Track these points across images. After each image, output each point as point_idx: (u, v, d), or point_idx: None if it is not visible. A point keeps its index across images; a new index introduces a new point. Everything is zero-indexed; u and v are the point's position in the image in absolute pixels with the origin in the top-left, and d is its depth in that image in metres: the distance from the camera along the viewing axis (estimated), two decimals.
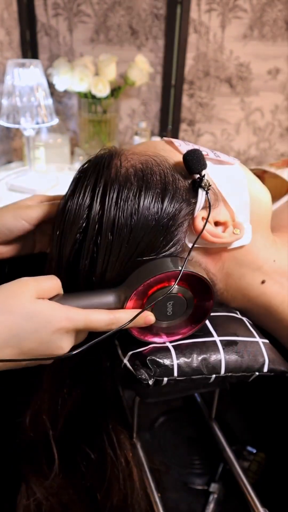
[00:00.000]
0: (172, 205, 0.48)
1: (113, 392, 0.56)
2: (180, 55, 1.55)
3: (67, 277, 0.49)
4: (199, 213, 0.49)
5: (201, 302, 0.49)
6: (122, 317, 0.44)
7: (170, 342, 0.51)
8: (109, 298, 0.47)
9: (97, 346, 0.44)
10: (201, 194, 0.48)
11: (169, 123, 1.67)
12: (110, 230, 0.46)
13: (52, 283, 0.45)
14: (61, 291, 0.46)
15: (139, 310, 0.46)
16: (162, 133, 1.69)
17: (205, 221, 0.48)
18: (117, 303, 0.46)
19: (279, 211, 0.72)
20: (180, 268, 0.45)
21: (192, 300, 0.48)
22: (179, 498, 0.68)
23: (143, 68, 1.50)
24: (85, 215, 0.47)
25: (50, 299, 0.44)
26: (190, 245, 0.49)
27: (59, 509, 0.58)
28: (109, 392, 0.56)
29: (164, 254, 0.48)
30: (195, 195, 0.49)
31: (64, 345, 0.43)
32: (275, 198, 0.76)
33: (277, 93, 1.65)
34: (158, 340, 0.51)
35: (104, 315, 0.43)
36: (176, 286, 0.46)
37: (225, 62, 1.59)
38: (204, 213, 0.49)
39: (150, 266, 0.46)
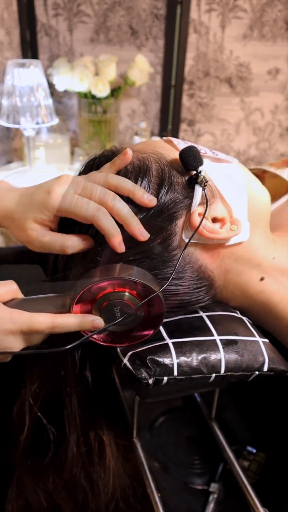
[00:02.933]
0: (165, 199, 0.48)
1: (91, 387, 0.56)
2: (180, 55, 1.55)
3: (63, 274, 0.50)
4: (196, 209, 0.49)
5: (151, 307, 0.48)
6: (65, 321, 0.45)
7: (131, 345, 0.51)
8: (58, 302, 0.47)
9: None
10: (198, 190, 0.49)
11: (169, 123, 1.67)
12: None
13: (6, 289, 0.46)
14: (19, 296, 0.47)
15: (84, 314, 0.46)
16: (162, 133, 1.69)
17: (201, 217, 0.48)
18: (64, 307, 0.47)
19: (279, 211, 0.72)
20: (117, 275, 0.45)
21: (140, 306, 0.47)
22: (179, 498, 0.68)
23: (143, 68, 1.50)
24: None
25: (5, 303, 0.46)
26: (186, 241, 0.49)
27: (45, 503, 0.58)
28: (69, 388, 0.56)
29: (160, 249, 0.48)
30: (192, 191, 0.49)
31: (13, 345, 0.44)
32: (275, 198, 0.76)
33: (277, 93, 1.65)
34: (114, 344, 0.50)
35: (46, 318, 0.44)
36: (122, 293, 0.46)
37: (225, 62, 1.59)
38: (201, 209, 0.49)
39: (93, 272, 0.46)
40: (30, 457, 0.59)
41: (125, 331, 0.49)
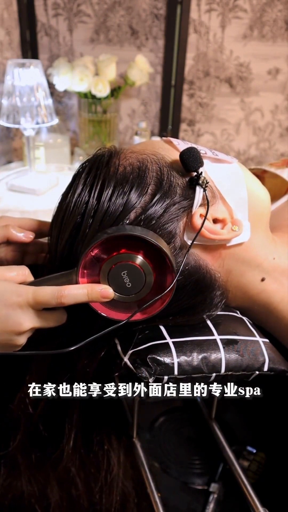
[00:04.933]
0: (163, 200, 0.48)
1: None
2: (180, 55, 1.55)
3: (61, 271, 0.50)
4: (197, 210, 0.49)
5: (161, 270, 0.46)
6: (72, 291, 0.44)
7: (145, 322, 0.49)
8: (66, 278, 0.47)
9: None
10: (198, 191, 0.49)
11: (169, 123, 1.67)
12: (99, 221, 0.47)
13: (17, 272, 0.47)
14: (30, 279, 0.48)
15: (90, 284, 0.45)
16: (162, 133, 1.69)
17: (203, 218, 0.48)
18: (71, 282, 0.46)
19: (279, 211, 0.72)
20: (116, 233, 0.44)
21: (148, 268, 0.45)
22: (179, 498, 0.68)
23: (143, 68, 1.50)
24: (82, 211, 0.48)
25: None
26: (188, 242, 0.49)
27: (38, 493, 0.58)
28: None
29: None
30: (193, 193, 0.49)
31: (22, 320, 0.44)
32: (275, 198, 0.76)
33: (277, 93, 1.65)
34: (125, 316, 0.47)
35: (51, 289, 0.44)
36: (127, 254, 0.44)
37: (225, 62, 1.59)
38: (202, 210, 0.49)
39: (94, 238, 0.46)
40: (28, 449, 0.59)
41: (135, 302, 0.47)
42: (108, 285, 0.46)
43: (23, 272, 0.47)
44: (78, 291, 0.44)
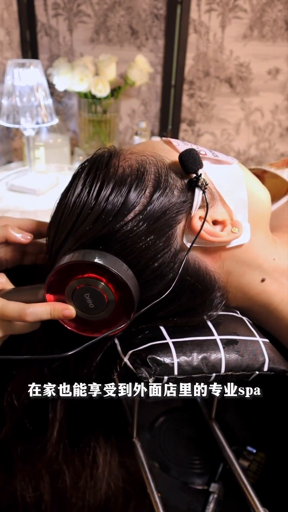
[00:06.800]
0: (160, 201, 0.48)
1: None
2: (180, 55, 1.55)
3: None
4: (196, 212, 0.49)
5: (122, 294, 0.47)
6: (36, 310, 0.46)
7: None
8: (34, 292, 0.48)
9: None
10: (198, 193, 0.48)
11: (169, 123, 1.67)
12: (93, 221, 0.47)
13: None
14: (8, 287, 0.49)
15: (54, 302, 0.47)
16: (162, 133, 1.69)
17: (202, 220, 0.48)
18: (40, 298, 0.48)
19: (279, 211, 0.72)
20: (83, 259, 0.45)
21: (110, 293, 0.47)
22: (179, 498, 0.68)
23: (143, 68, 1.50)
24: (79, 211, 0.48)
25: None
26: (188, 245, 0.49)
27: (31, 490, 0.58)
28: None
29: (160, 253, 0.48)
30: (192, 195, 0.49)
31: None
32: (275, 198, 0.76)
33: (277, 93, 1.66)
34: (91, 334, 0.49)
35: (17, 306, 0.46)
36: (90, 278, 0.46)
37: (225, 62, 1.59)
38: (202, 213, 0.49)
39: (61, 260, 0.47)
40: (15, 442, 0.59)
41: (101, 320, 0.49)
42: (72, 304, 0.47)
43: (0, 281, 0.49)
44: (41, 309, 0.46)
